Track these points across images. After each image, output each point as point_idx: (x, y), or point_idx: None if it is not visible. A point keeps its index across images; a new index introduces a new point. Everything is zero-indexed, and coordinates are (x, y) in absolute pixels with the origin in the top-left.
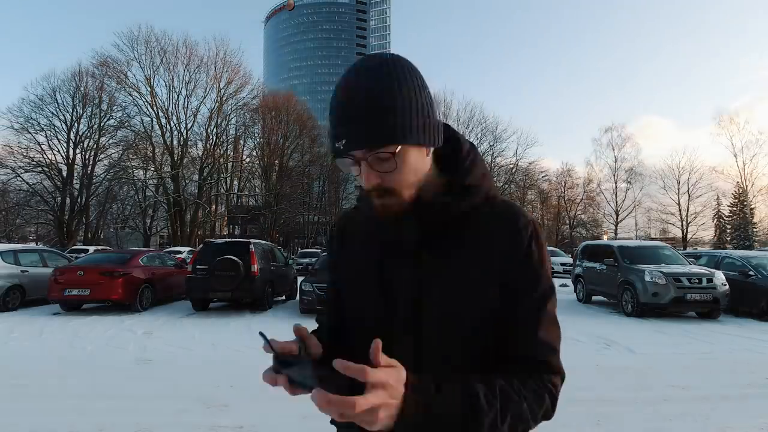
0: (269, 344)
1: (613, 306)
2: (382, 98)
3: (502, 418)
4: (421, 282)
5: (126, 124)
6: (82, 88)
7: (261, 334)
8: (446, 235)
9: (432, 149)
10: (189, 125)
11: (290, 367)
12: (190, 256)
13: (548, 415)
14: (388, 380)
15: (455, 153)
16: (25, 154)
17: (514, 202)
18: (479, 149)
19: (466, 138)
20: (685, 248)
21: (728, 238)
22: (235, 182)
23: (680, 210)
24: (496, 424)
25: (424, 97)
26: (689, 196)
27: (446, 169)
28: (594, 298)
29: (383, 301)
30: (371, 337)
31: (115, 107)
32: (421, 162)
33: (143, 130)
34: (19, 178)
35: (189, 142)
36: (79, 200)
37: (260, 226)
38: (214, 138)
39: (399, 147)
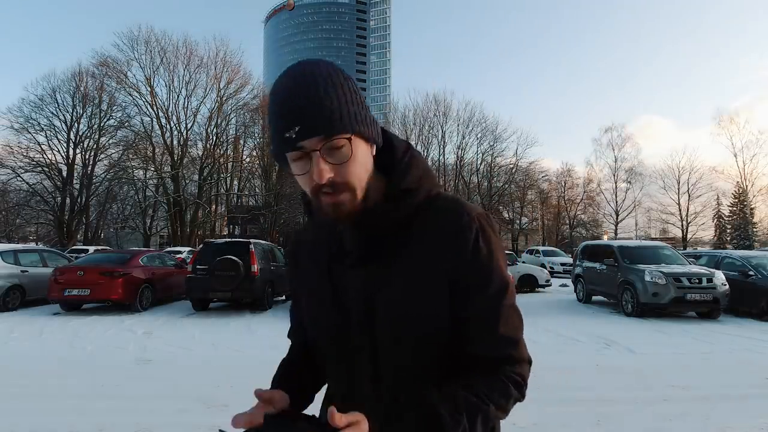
0: None
1: (613, 306)
2: (331, 87)
3: (471, 429)
4: (369, 288)
5: (126, 124)
6: (82, 88)
7: None
8: (389, 241)
9: (374, 149)
10: (189, 125)
11: None
12: (190, 256)
13: (519, 400)
14: None
15: (391, 156)
16: (25, 154)
17: (459, 197)
18: (479, 149)
19: (415, 139)
20: (685, 248)
21: (728, 238)
22: (235, 182)
23: (680, 210)
24: None
25: (362, 98)
26: (689, 196)
27: (383, 173)
28: (594, 298)
29: (337, 310)
30: (331, 345)
31: (115, 107)
32: (368, 159)
33: (143, 130)
34: (19, 178)
35: (189, 142)
36: (79, 200)
37: (260, 226)
38: (214, 138)
39: (351, 136)
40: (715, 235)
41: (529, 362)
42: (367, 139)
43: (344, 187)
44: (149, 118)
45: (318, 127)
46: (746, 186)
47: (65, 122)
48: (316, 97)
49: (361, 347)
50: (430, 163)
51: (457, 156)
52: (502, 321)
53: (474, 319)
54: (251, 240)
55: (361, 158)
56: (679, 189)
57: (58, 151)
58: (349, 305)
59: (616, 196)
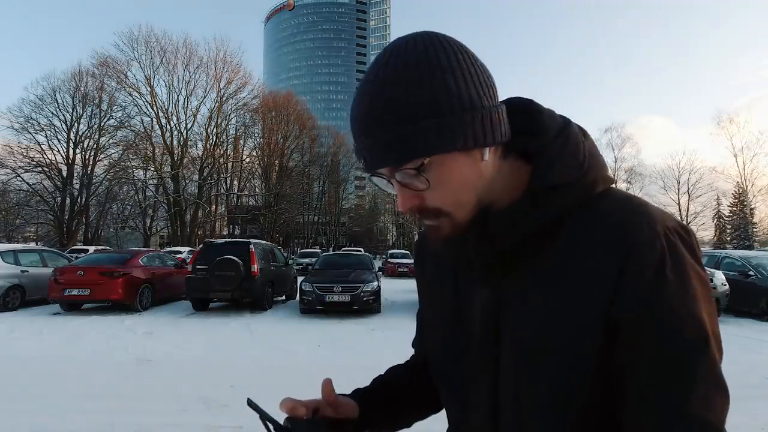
0: (265, 416)
1: None
2: (392, 102)
3: None
4: (495, 305)
5: (126, 124)
6: (82, 88)
7: (251, 403)
8: (529, 248)
9: (491, 148)
10: (189, 125)
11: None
12: (190, 256)
13: None
14: None
15: (538, 141)
16: (25, 154)
17: (637, 198)
18: None
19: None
20: None
21: (728, 238)
22: (235, 182)
23: (680, 210)
24: None
25: (465, 82)
26: (689, 196)
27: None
28: None
29: (456, 328)
30: (444, 369)
31: (115, 107)
32: (472, 169)
33: (143, 130)
34: (19, 178)
35: (189, 142)
36: (79, 200)
37: (260, 226)
38: (214, 138)
39: (425, 160)
40: (715, 235)
41: None
42: (463, 150)
43: (435, 213)
44: (149, 118)
45: (378, 160)
46: (746, 186)
47: (65, 122)
48: (376, 118)
49: (479, 375)
50: None
51: None
52: (694, 394)
53: (642, 385)
54: (251, 240)
55: (455, 175)
56: (679, 189)
57: (58, 151)
58: (471, 324)
59: None
